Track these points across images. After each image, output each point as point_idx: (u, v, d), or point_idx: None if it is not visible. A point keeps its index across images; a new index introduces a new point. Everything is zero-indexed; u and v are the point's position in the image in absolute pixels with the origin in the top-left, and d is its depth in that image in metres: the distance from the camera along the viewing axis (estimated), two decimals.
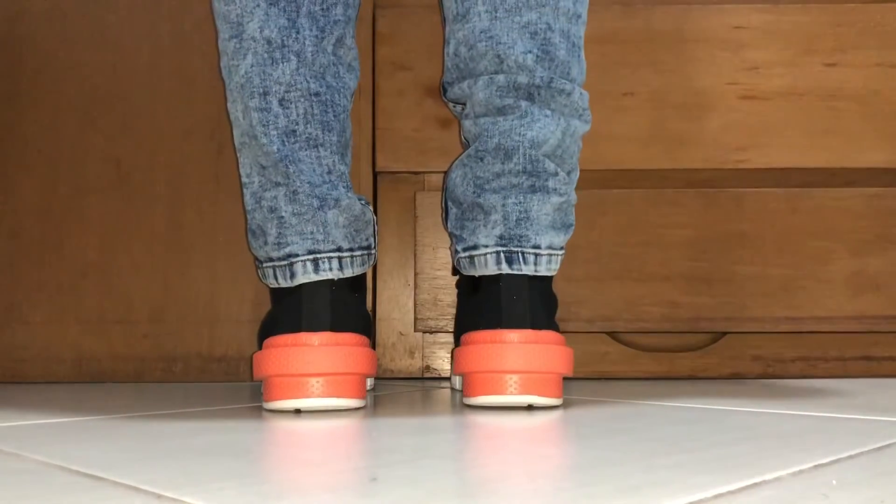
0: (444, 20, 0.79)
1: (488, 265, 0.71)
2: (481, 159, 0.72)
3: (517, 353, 0.65)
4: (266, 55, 0.71)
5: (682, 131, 0.98)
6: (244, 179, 0.73)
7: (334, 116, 0.73)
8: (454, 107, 0.80)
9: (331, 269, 0.69)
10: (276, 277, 0.71)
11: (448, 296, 0.97)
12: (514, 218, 0.71)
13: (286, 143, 0.70)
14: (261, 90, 0.71)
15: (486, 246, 0.71)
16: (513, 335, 0.66)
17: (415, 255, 0.98)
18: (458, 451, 0.49)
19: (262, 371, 0.66)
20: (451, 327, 0.97)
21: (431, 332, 0.99)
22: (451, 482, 0.39)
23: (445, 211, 0.77)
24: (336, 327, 0.67)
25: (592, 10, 0.94)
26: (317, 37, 0.73)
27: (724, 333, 0.99)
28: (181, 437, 0.54)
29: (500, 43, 0.71)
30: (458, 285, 0.80)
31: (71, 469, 0.43)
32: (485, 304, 0.70)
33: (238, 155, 0.74)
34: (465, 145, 0.78)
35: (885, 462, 0.44)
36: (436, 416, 0.64)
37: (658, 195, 0.98)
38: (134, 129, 0.99)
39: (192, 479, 0.40)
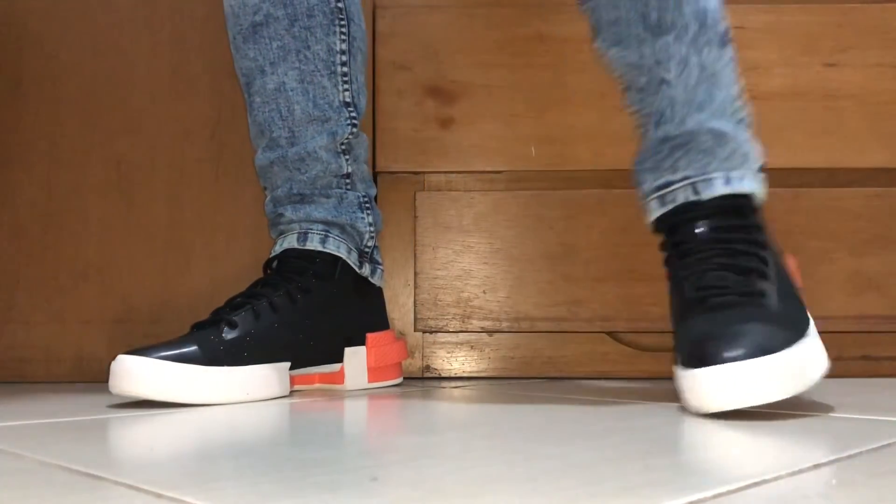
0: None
1: None
2: None
3: None
4: None
5: None
6: None
7: None
8: None
9: None
10: None
11: (448, 295, 0.97)
12: None
13: None
14: None
15: None
16: None
17: (415, 255, 0.98)
18: (458, 451, 0.49)
19: None
20: (451, 327, 0.97)
21: (431, 332, 0.99)
22: (451, 482, 0.39)
23: None
24: None
25: None
26: None
27: None
28: (180, 437, 0.54)
29: None
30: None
31: (71, 469, 0.43)
32: None
33: None
34: None
35: (885, 462, 0.44)
36: (436, 415, 0.64)
37: None
38: (134, 129, 0.99)
39: (192, 479, 0.40)
